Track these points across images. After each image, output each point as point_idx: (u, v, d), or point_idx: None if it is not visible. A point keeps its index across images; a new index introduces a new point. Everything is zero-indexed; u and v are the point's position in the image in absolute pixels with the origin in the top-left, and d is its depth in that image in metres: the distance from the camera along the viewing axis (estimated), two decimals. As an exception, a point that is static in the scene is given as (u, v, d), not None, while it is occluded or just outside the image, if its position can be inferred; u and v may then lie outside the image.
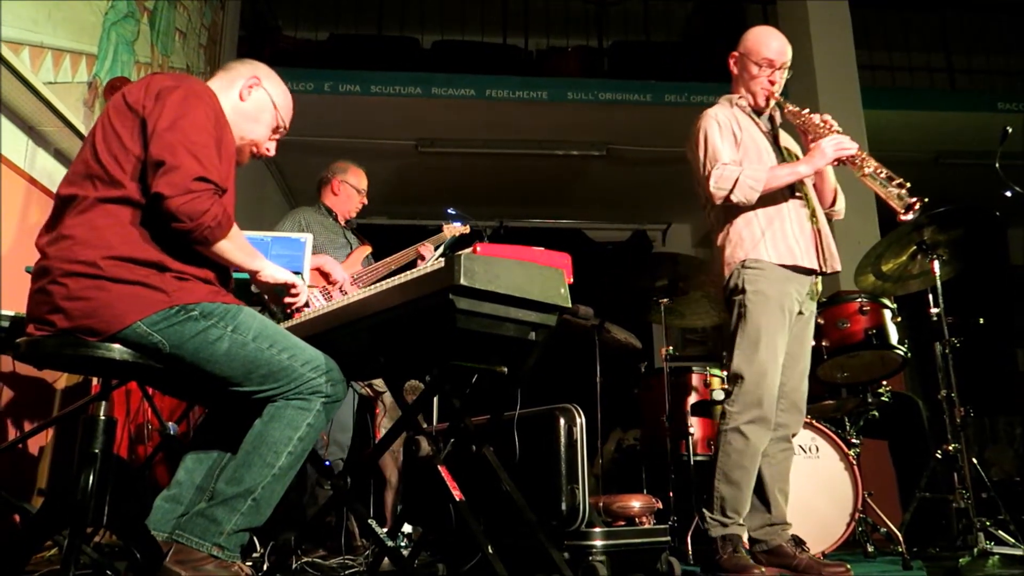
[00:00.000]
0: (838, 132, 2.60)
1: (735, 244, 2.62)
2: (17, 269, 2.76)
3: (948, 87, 7.35)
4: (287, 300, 1.93)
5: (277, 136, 2.00)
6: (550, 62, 7.10)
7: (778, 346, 2.53)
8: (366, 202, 3.80)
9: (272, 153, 2.01)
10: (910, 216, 2.46)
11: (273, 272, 1.86)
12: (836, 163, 2.58)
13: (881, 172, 2.52)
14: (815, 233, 2.66)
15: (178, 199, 1.58)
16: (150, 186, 1.60)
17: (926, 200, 2.43)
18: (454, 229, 3.92)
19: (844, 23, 6.28)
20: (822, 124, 2.63)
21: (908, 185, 2.46)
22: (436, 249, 3.70)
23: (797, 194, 2.68)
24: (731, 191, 2.53)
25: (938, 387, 3.00)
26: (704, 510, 2.55)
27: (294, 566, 2.66)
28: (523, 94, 6.33)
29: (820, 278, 2.72)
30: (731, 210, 2.62)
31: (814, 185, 2.77)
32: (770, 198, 2.59)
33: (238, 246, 1.74)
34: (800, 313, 2.64)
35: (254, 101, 1.91)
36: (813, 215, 2.69)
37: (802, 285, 2.63)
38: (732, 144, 2.64)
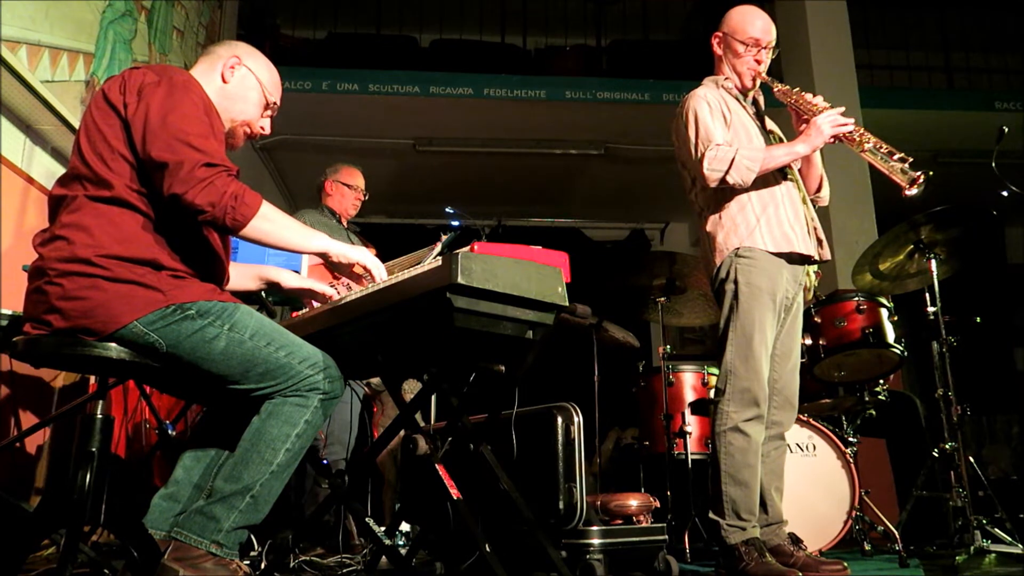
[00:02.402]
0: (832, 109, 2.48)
1: (728, 231, 2.50)
2: (15, 267, 2.76)
3: (946, 86, 7.36)
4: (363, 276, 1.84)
5: (269, 114, 1.96)
6: (548, 61, 7.11)
7: (769, 340, 2.46)
8: (362, 198, 3.82)
9: (267, 131, 1.96)
10: (915, 191, 2.32)
11: (343, 250, 1.79)
12: (834, 140, 2.45)
13: (882, 147, 2.39)
14: (808, 219, 2.57)
15: (192, 191, 1.56)
16: (162, 191, 1.59)
17: (931, 173, 2.30)
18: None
19: (842, 22, 6.29)
20: (815, 103, 2.51)
21: (911, 159, 2.34)
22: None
23: (789, 178, 2.59)
24: (727, 172, 2.40)
25: (935, 386, 3.01)
26: (716, 519, 2.41)
27: (292, 564, 2.66)
28: (521, 93, 6.33)
29: (816, 272, 2.67)
30: (722, 195, 2.52)
31: (799, 170, 2.66)
32: (763, 182, 2.48)
33: (283, 225, 1.68)
34: (787, 308, 2.57)
35: (237, 81, 1.88)
36: (804, 200, 2.60)
37: (794, 274, 2.55)
38: (723, 125, 2.53)
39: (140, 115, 1.63)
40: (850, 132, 2.43)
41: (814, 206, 2.70)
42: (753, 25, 2.62)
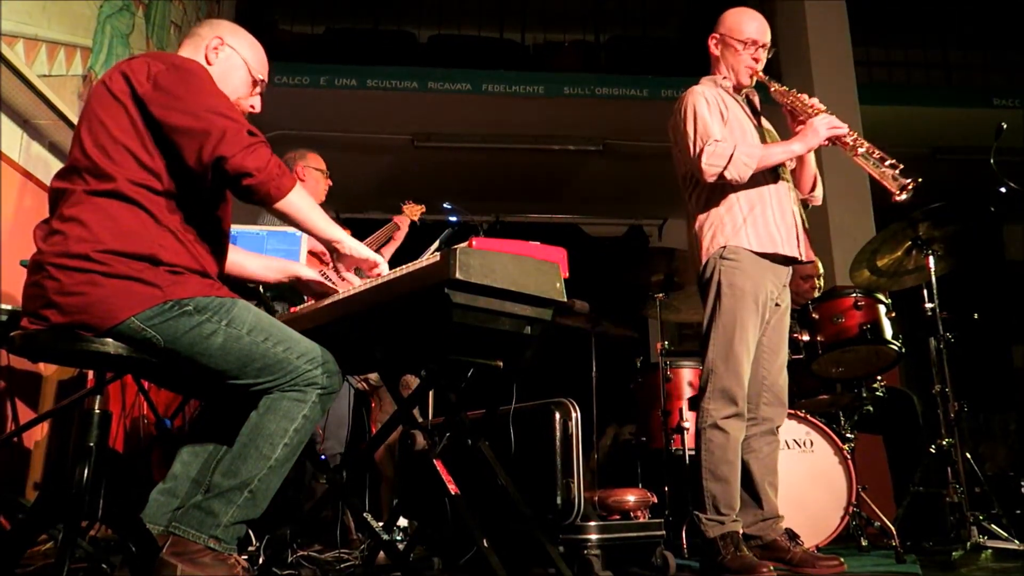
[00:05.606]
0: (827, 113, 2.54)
1: (715, 229, 2.56)
2: (13, 263, 2.76)
3: (944, 83, 7.36)
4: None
5: (258, 91, 1.96)
6: (547, 57, 7.10)
7: (751, 340, 2.51)
8: (331, 183, 3.71)
9: (257, 110, 1.97)
10: (904, 196, 2.38)
11: (355, 246, 1.83)
12: (828, 143, 2.51)
13: (874, 152, 2.46)
14: (796, 220, 2.61)
15: (241, 154, 1.59)
16: (199, 158, 1.60)
17: (920, 180, 2.37)
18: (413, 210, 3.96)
19: (841, 19, 6.29)
20: (811, 104, 2.57)
21: (901, 166, 2.40)
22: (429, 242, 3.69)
23: (781, 178, 2.62)
24: (725, 168, 2.44)
25: (933, 382, 3.01)
26: (697, 513, 2.50)
27: (290, 559, 2.66)
28: (519, 89, 6.33)
29: (820, 263, 2.70)
30: (712, 194, 2.57)
31: (793, 171, 2.72)
32: (752, 181, 2.52)
33: (311, 207, 1.73)
34: (777, 305, 2.61)
35: (222, 61, 1.88)
36: (795, 201, 2.64)
37: (778, 275, 2.59)
38: (721, 122, 2.58)
39: (163, 99, 1.63)
40: (844, 135, 2.49)
41: (808, 206, 2.76)
42: (749, 26, 2.69)
